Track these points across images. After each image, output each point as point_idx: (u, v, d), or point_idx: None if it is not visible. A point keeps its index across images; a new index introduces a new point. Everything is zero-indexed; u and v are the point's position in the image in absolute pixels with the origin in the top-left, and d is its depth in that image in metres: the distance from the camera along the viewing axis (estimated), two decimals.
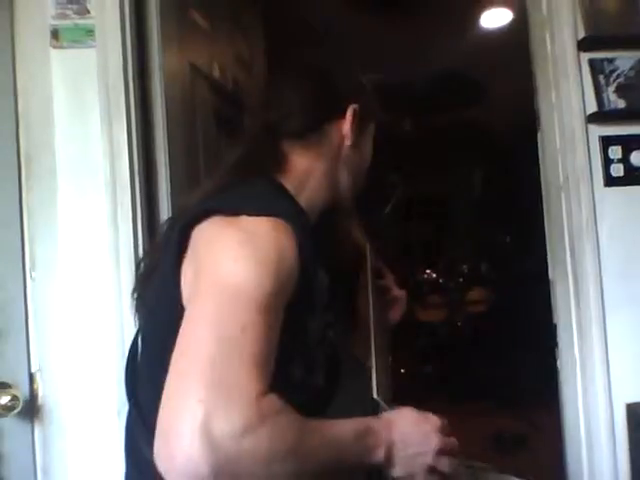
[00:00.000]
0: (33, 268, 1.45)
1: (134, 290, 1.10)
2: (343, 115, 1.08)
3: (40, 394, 1.42)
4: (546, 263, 1.85)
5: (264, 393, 0.75)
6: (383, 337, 1.23)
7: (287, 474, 0.76)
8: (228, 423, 0.71)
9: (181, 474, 0.70)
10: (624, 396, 1.66)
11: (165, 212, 1.52)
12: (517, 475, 1.21)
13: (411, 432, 0.89)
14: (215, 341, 0.76)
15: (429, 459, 0.89)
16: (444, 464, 0.90)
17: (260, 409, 0.73)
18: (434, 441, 0.90)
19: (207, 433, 0.69)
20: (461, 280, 5.31)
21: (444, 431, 0.92)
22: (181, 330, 0.79)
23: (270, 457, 0.73)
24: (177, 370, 0.76)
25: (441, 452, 0.90)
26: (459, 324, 5.09)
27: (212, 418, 0.70)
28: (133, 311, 1.12)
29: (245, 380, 0.74)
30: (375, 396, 1.05)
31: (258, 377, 0.75)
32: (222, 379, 0.73)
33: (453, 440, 0.92)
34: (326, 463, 0.81)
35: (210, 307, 0.79)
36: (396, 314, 1.31)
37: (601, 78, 1.73)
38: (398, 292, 1.33)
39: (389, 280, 1.33)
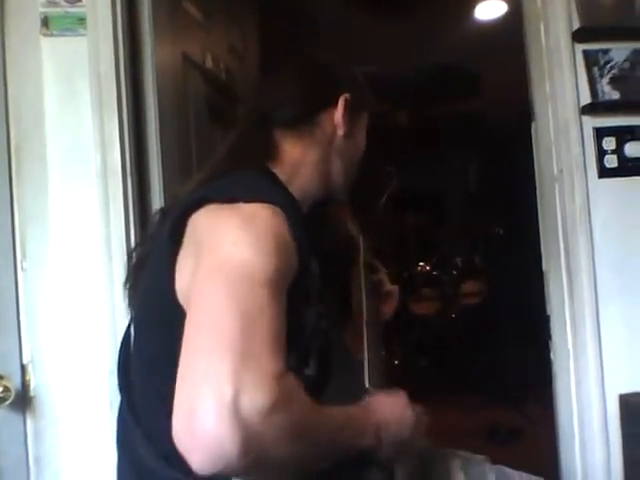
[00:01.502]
0: (24, 259, 1.44)
1: (126, 281, 1.09)
2: (335, 105, 1.07)
3: (32, 385, 1.41)
4: (539, 255, 1.86)
5: (285, 372, 0.75)
6: (376, 329, 1.23)
7: (304, 454, 0.77)
8: (256, 401, 0.69)
9: (208, 453, 0.69)
10: (617, 387, 1.67)
11: (157, 202, 1.51)
12: (511, 467, 1.22)
13: (389, 413, 0.93)
14: (235, 319, 0.74)
15: (408, 433, 0.94)
16: (420, 432, 0.97)
17: (284, 388, 0.73)
18: (409, 415, 0.96)
19: (235, 411, 0.68)
20: (455, 273, 5.32)
21: (411, 405, 0.97)
22: (193, 309, 0.78)
23: (292, 436, 0.74)
24: (196, 347, 0.74)
25: (416, 423, 0.96)
26: (453, 316, 5.10)
27: (240, 395, 0.69)
28: (125, 302, 1.11)
29: (269, 358, 0.73)
30: (368, 386, 1.05)
31: (278, 355, 0.75)
32: (247, 356, 0.72)
33: (421, 409, 0.98)
34: (331, 446, 0.82)
35: (221, 289, 0.78)
36: (389, 308, 1.31)
37: (595, 69, 1.73)
38: (391, 287, 1.33)
39: (382, 274, 1.33)
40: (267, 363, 0.73)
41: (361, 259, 1.25)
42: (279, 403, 0.71)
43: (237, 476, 0.79)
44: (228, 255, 0.80)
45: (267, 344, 0.74)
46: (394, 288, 1.33)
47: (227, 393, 0.68)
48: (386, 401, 0.95)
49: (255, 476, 0.80)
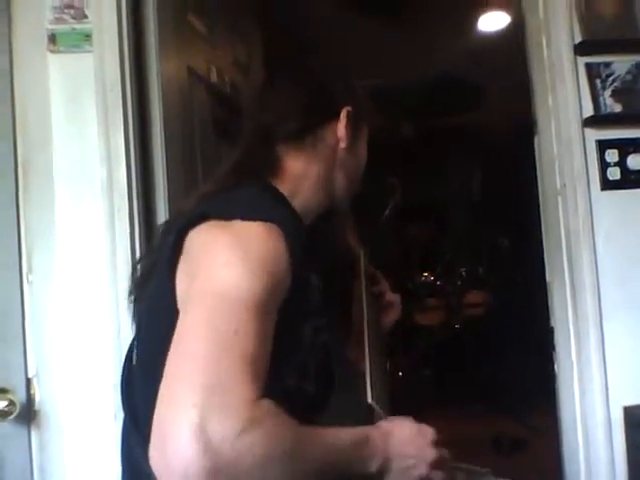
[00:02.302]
0: (30, 272, 1.44)
1: (130, 293, 1.10)
2: (337, 118, 1.08)
3: (37, 399, 1.42)
4: (543, 267, 1.86)
5: (259, 396, 0.75)
6: (378, 342, 1.23)
7: (286, 476, 0.76)
8: (223, 426, 0.70)
9: (176, 477, 0.70)
10: (621, 399, 1.66)
11: (162, 216, 1.51)
12: (515, 479, 1.21)
13: (407, 445, 0.90)
14: (208, 344, 0.75)
15: (423, 472, 0.90)
16: (437, 476, 0.91)
17: (255, 411, 0.73)
18: (429, 454, 0.91)
19: (203, 436, 0.69)
20: (459, 283, 5.31)
21: (438, 443, 0.93)
22: (175, 335, 0.79)
23: (265, 460, 0.73)
24: (171, 374, 0.76)
25: (434, 465, 0.91)
26: (457, 327, 5.09)
27: (207, 421, 0.70)
28: (130, 315, 1.12)
29: (239, 383, 0.74)
30: (370, 401, 1.05)
31: (252, 380, 0.75)
32: (216, 382, 0.73)
33: (446, 452, 0.94)
34: (320, 469, 0.80)
35: (202, 312, 0.79)
36: (391, 318, 1.31)
37: (598, 82, 1.74)
38: (392, 296, 1.33)
39: (383, 285, 1.33)
40: (236, 389, 0.73)
41: (362, 271, 1.25)
42: (250, 428, 0.71)
43: None
44: (214, 278, 0.81)
45: (239, 369, 0.75)
46: (396, 297, 1.33)
47: (194, 420, 0.69)
48: (409, 432, 0.92)
49: None
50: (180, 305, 0.85)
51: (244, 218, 0.87)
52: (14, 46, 1.48)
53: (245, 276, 0.81)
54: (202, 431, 0.69)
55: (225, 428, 0.70)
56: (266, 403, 0.75)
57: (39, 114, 1.47)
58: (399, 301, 1.33)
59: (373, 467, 0.86)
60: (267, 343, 0.80)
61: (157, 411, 0.74)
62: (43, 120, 1.47)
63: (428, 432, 0.94)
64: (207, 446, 0.69)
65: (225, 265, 0.82)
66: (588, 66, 1.73)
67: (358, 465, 0.85)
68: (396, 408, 1.04)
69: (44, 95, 1.48)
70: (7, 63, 1.47)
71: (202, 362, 0.74)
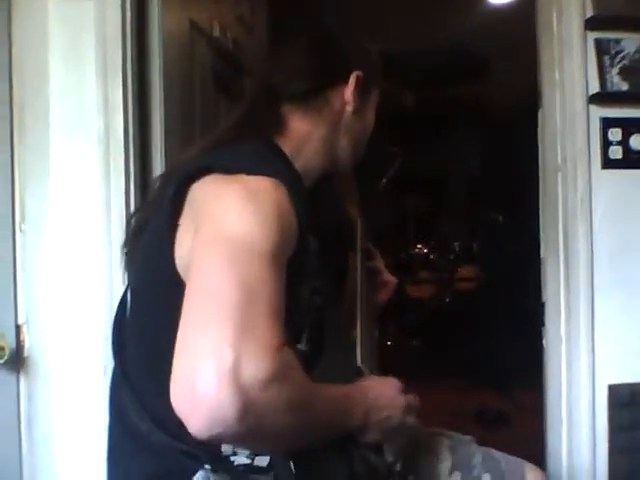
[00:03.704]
0: (23, 220, 1.43)
1: (124, 245, 1.09)
2: (346, 81, 1.06)
3: (26, 346, 1.42)
4: (537, 244, 1.86)
5: (283, 344, 0.75)
6: (370, 311, 1.23)
7: (297, 428, 0.78)
8: (256, 370, 0.70)
9: (206, 418, 0.69)
10: (607, 377, 1.68)
11: (158, 168, 1.50)
12: (497, 450, 1.23)
13: (380, 397, 0.93)
14: (236, 288, 0.74)
15: (397, 419, 0.94)
16: (410, 420, 0.97)
17: (282, 359, 0.73)
18: (399, 401, 0.95)
19: (236, 378, 0.69)
20: (452, 257, 5.33)
21: (404, 390, 0.97)
22: (194, 276, 0.78)
23: (288, 408, 0.74)
24: (196, 315, 0.75)
25: (407, 410, 0.96)
26: (447, 300, 5.12)
27: (241, 362, 0.69)
28: (123, 267, 1.11)
29: (269, 329, 0.74)
30: (359, 364, 1.06)
31: (278, 328, 0.75)
32: (247, 326, 0.72)
33: (413, 397, 0.98)
34: (321, 422, 0.83)
35: (223, 257, 0.78)
36: (383, 297, 1.31)
37: (606, 59, 1.72)
38: (389, 277, 1.33)
39: (378, 261, 1.33)
40: (267, 334, 0.73)
41: (358, 244, 1.25)
42: (278, 374, 0.72)
43: (231, 443, 0.80)
44: (231, 225, 0.80)
45: (267, 315, 0.75)
46: (392, 280, 1.33)
47: (227, 360, 0.69)
48: (378, 385, 0.96)
49: (248, 445, 0.81)
50: (186, 258, 0.83)
51: (249, 172, 0.86)
52: None
53: (260, 225, 0.80)
54: (235, 372, 0.69)
55: (258, 371, 0.70)
56: (290, 351, 0.76)
57: (37, 60, 1.45)
58: (394, 282, 1.33)
59: (355, 422, 0.89)
60: (283, 293, 0.79)
61: (181, 351, 0.73)
62: (41, 66, 1.44)
63: (393, 382, 0.98)
64: (239, 387, 0.69)
65: (239, 214, 0.81)
66: (597, 42, 1.71)
67: (344, 421, 0.87)
68: (383, 373, 1.06)
69: (43, 40, 1.45)
70: (6, 7, 1.44)
71: (232, 303, 0.73)
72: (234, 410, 0.69)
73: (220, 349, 0.70)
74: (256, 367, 0.70)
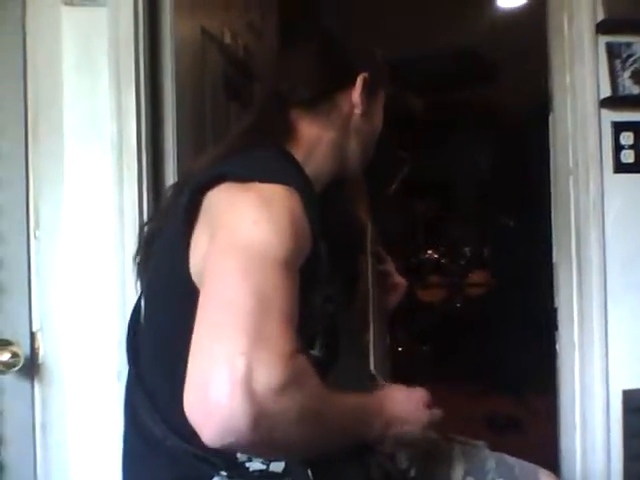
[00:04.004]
0: (37, 227, 1.44)
1: (136, 254, 1.09)
2: (353, 84, 1.07)
3: (41, 353, 1.42)
4: (550, 248, 1.85)
5: (298, 351, 0.75)
6: (381, 317, 1.23)
7: (309, 437, 0.77)
8: (270, 378, 0.70)
9: (219, 425, 0.70)
10: (621, 382, 1.67)
11: (171, 176, 1.50)
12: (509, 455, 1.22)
13: (402, 408, 0.93)
14: (250, 296, 0.75)
15: (418, 432, 0.94)
16: (431, 435, 0.98)
17: (296, 367, 0.73)
18: (423, 416, 0.95)
19: (248, 386, 0.69)
20: (462, 262, 5.31)
21: (429, 405, 0.97)
22: (208, 284, 0.79)
23: (301, 417, 0.74)
24: (210, 323, 0.75)
25: (428, 426, 0.96)
26: (458, 305, 5.10)
27: (254, 371, 0.69)
28: (136, 275, 1.11)
29: (282, 337, 0.74)
30: (372, 370, 1.06)
31: (292, 336, 0.75)
32: (260, 334, 0.72)
33: (438, 412, 0.98)
34: (335, 431, 0.83)
35: (237, 265, 0.78)
36: (394, 299, 1.31)
37: (617, 62, 1.71)
38: (399, 279, 1.33)
39: (389, 265, 1.33)
40: (280, 342, 0.73)
41: (368, 248, 1.25)
42: (291, 383, 0.72)
43: (244, 451, 0.80)
44: (246, 233, 0.81)
45: (280, 323, 0.75)
46: (402, 282, 1.33)
47: (240, 369, 0.69)
48: (403, 398, 0.95)
49: (261, 452, 0.81)
50: (201, 265, 0.84)
51: (263, 180, 0.87)
52: None
53: (274, 234, 0.81)
54: (248, 380, 0.69)
55: (270, 380, 0.70)
56: (303, 359, 0.76)
57: (50, 67, 1.45)
58: (404, 284, 1.33)
59: (373, 432, 0.88)
60: (297, 301, 0.80)
61: (194, 359, 0.73)
62: (54, 73, 1.45)
63: (419, 394, 0.97)
64: (252, 396, 0.69)
65: (254, 222, 0.81)
66: (609, 45, 1.71)
67: (361, 430, 0.87)
68: (394, 382, 1.05)
69: (56, 48, 1.45)
70: (20, 14, 1.45)
71: (245, 311, 0.74)
72: (247, 419, 0.69)
73: (233, 358, 0.70)
74: (269, 375, 0.70)
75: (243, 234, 0.81)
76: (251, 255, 0.78)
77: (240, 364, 0.69)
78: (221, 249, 0.81)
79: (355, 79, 1.07)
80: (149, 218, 1.36)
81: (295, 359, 0.74)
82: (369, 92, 1.08)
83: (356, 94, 1.07)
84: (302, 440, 0.77)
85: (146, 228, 1.12)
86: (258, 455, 0.82)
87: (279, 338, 0.73)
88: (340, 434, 0.84)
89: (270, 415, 0.70)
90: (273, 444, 0.75)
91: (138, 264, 1.09)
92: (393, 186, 1.67)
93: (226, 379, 0.69)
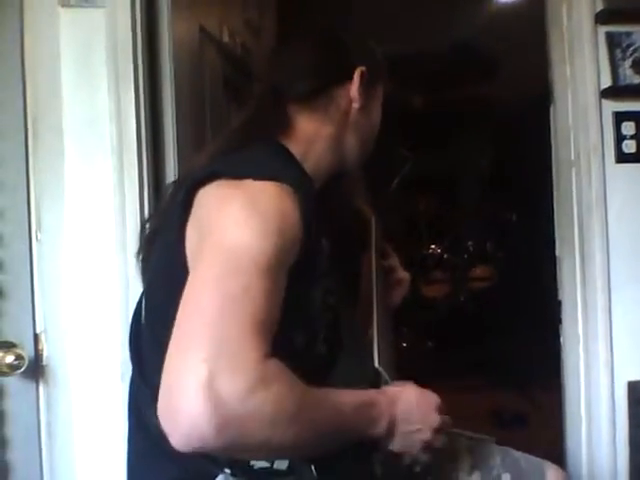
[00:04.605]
0: (39, 229, 1.44)
1: (138, 252, 1.10)
2: (351, 79, 1.06)
3: (45, 354, 1.42)
4: (553, 241, 1.84)
5: (267, 355, 0.75)
6: (385, 312, 1.23)
7: (289, 439, 0.76)
8: (232, 383, 0.71)
9: (185, 433, 0.71)
10: (626, 374, 1.67)
11: (172, 175, 1.50)
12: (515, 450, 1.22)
13: (413, 409, 0.92)
14: (217, 300, 0.76)
15: (426, 436, 0.93)
16: (439, 440, 0.95)
17: (264, 371, 0.73)
18: (433, 420, 0.94)
19: (211, 392, 0.69)
20: (466, 257, 5.30)
21: (441, 409, 0.95)
22: (185, 292, 0.79)
23: (272, 421, 0.74)
24: (180, 330, 0.76)
25: (438, 430, 0.94)
26: (462, 300, 5.10)
27: (216, 377, 0.70)
28: (138, 274, 1.12)
29: (248, 340, 0.74)
30: (377, 365, 1.06)
31: (261, 339, 0.75)
32: (225, 339, 0.73)
33: (448, 418, 0.96)
34: (327, 431, 0.82)
35: (212, 269, 0.79)
36: (399, 295, 1.31)
37: (618, 52, 1.70)
38: (403, 274, 1.32)
39: (393, 260, 1.32)
40: (246, 346, 0.73)
41: (372, 243, 1.24)
42: (258, 387, 0.72)
43: (216, 454, 0.80)
44: (226, 236, 0.81)
45: (248, 327, 0.75)
46: (406, 275, 1.33)
47: (203, 375, 0.70)
48: (414, 398, 0.94)
49: (238, 456, 0.81)
50: (190, 262, 0.85)
51: (256, 178, 0.87)
52: (25, 0, 1.45)
53: (256, 235, 0.80)
54: (210, 387, 0.69)
55: (234, 386, 0.70)
56: (275, 363, 0.75)
57: (49, 71, 1.45)
58: (409, 279, 1.33)
59: (378, 431, 0.88)
60: (276, 303, 0.79)
61: (165, 366, 0.74)
62: (53, 75, 1.45)
63: (432, 398, 0.96)
64: (215, 403, 0.69)
65: (236, 224, 0.82)
66: (608, 35, 1.70)
67: (364, 428, 0.86)
68: (399, 378, 1.05)
69: (54, 50, 1.45)
70: (18, 16, 1.44)
71: (211, 318, 0.74)
72: (210, 425, 0.69)
73: (196, 365, 0.71)
74: (232, 381, 0.70)
75: (225, 236, 0.81)
76: (228, 259, 0.79)
77: (203, 371, 0.70)
78: (202, 254, 0.82)
79: (353, 73, 1.06)
80: (149, 216, 1.36)
81: (264, 363, 0.74)
82: (367, 86, 1.08)
83: (354, 88, 1.06)
84: (286, 441, 0.76)
85: (147, 226, 1.12)
86: (234, 457, 0.82)
87: (244, 343, 0.73)
88: (337, 432, 0.83)
89: (236, 422, 0.71)
90: (247, 447, 0.75)
91: (140, 262, 1.09)
92: (395, 183, 1.67)
93: (190, 386, 0.70)
